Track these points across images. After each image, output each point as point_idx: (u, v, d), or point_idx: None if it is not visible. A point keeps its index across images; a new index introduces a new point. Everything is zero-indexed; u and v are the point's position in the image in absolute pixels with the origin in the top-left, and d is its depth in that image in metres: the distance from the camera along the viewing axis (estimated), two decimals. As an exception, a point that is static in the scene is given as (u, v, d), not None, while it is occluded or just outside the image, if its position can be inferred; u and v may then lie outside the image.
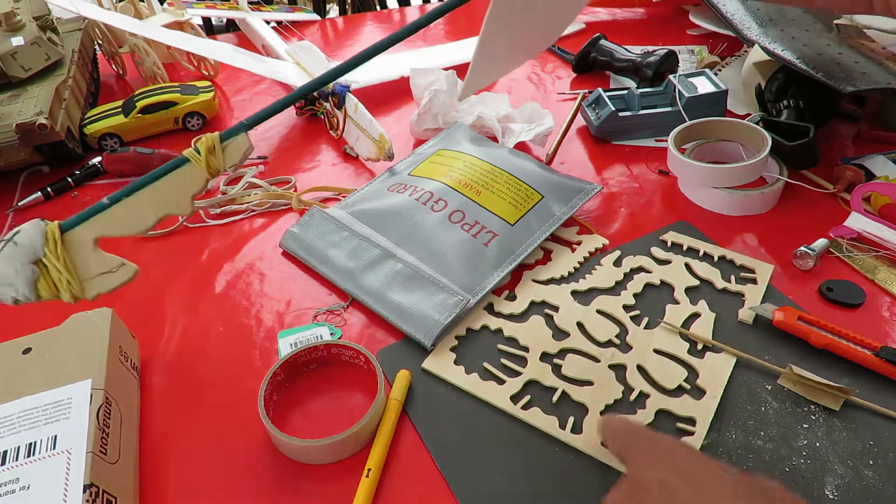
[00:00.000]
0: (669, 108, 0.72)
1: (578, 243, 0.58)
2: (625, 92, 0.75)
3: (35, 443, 0.37)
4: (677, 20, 1.03)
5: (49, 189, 0.68)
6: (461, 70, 0.79)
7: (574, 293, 0.53)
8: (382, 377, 0.45)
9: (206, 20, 1.27)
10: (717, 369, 0.46)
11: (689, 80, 0.73)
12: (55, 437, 0.37)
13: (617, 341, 0.49)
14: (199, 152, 0.40)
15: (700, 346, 0.48)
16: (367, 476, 0.40)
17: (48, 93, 0.71)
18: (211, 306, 0.54)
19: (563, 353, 0.48)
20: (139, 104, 0.76)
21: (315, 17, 1.16)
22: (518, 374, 0.47)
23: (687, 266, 0.55)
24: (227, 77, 0.93)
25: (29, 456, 0.37)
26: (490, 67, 0.58)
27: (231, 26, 1.23)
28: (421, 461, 0.42)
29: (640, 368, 0.47)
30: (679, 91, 0.72)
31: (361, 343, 0.49)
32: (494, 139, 0.72)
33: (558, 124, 0.73)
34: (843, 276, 0.54)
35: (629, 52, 0.86)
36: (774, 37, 0.69)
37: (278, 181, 0.70)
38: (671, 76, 0.74)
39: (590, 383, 0.46)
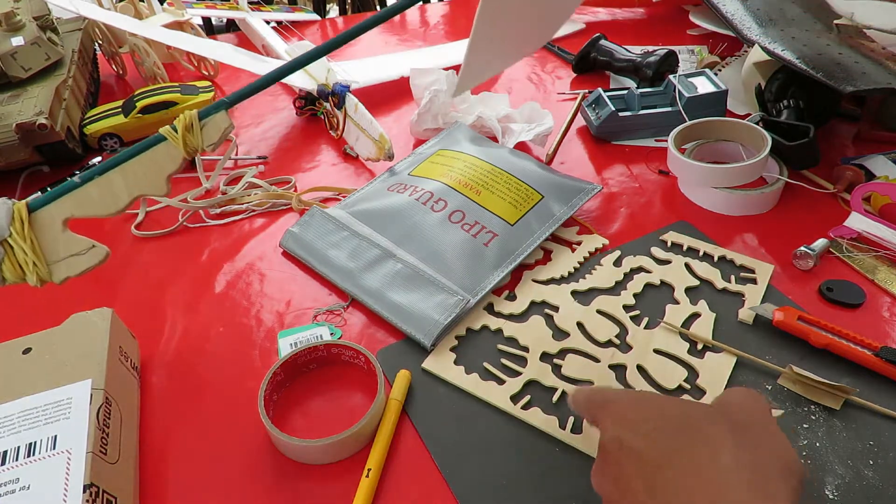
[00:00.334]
0: (669, 108, 0.72)
1: (578, 243, 0.58)
2: (625, 92, 0.75)
3: (35, 443, 0.37)
4: (677, 20, 1.03)
5: (49, 189, 0.68)
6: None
7: (574, 293, 0.53)
8: (382, 377, 0.45)
9: (206, 20, 1.28)
10: (717, 369, 0.46)
11: (689, 80, 0.73)
12: (55, 437, 0.37)
13: (617, 341, 0.49)
14: (176, 130, 0.39)
15: (700, 346, 0.48)
16: (367, 476, 0.40)
17: (48, 93, 0.71)
18: (211, 306, 0.54)
19: (563, 353, 0.48)
20: (139, 104, 0.76)
21: (315, 17, 1.16)
22: (518, 374, 0.47)
23: (687, 266, 0.55)
24: (227, 77, 0.94)
25: (29, 456, 0.37)
26: (482, 65, 0.58)
27: (231, 26, 1.23)
28: (421, 461, 0.42)
29: (640, 368, 0.47)
30: (679, 91, 0.72)
31: (361, 343, 0.49)
32: (494, 139, 0.72)
33: (558, 124, 0.73)
34: (843, 276, 0.54)
35: (629, 52, 0.86)
36: (774, 37, 0.69)
37: (278, 181, 0.70)
38: (671, 76, 0.74)
39: (590, 383, 0.46)
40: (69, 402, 0.39)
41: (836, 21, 0.73)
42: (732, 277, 0.54)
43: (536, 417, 0.43)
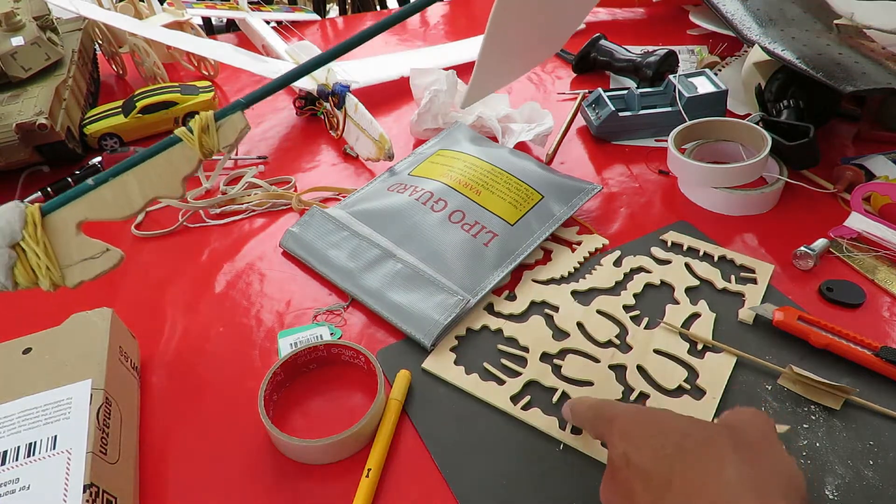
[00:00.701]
0: (669, 108, 0.72)
1: (578, 243, 0.58)
2: (625, 92, 0.75)
3: (35, 443, 0.37)
4: (677, 20, 1.03)
5: (49, 189, 0.68)
6: (461, 70, 0.79)
7: (574, 293, 0.53)
8: (382, 377, 0.45)
9: (206, 20, 1.28)
10: (717, 369, 0.46)
11: (689, 80, 0.73)
12: (55, 437, 0.37)
13: (617, 341, 0.49)
14: (191, 131, 0.38)
15: (700, 347, 0.48)
16: (367, 476, 0.40)
17: (48, 93, 0.71)
18: (211, 306, 0.54)
19: (563, 353, 0.48)
20: (139, 104, 0.76)
21: (315, 17, 1.16)
22: (518, 374, 0.47)
23: (687, 266, 0.55)
24: (227, 77, 0.93)
25: (29, 456, 0.37)
26: (492, 78, 0.59)
27: (231, 26, 1.23)
28: (421, 461, 0.42)
29: (640, 369, 0.47)
30: (679, 91, 0.72)
31: (361, 343, 0.49)
32: (494, 139, 0.72)
33: (558, 124, 0.73)
34: (843, 276, 0.54)
35: (629, 52, 0.86)
36: (774, 37, 0.69)
37: (278, 181, 0.70)
38: (671, 76, 0.74)
39: (590, 384, 0.46)
40: (69, 402, 0.39)
41: (836, 21, 0.73)
42: (732, 277, 0.54)
43: (536, 418, 0.43)
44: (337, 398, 0.46)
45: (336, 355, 0.48)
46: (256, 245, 0.61)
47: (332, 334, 0.51)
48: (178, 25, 0.92)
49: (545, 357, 0.48)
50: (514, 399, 0.45)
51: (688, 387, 0.45)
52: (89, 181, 0.38)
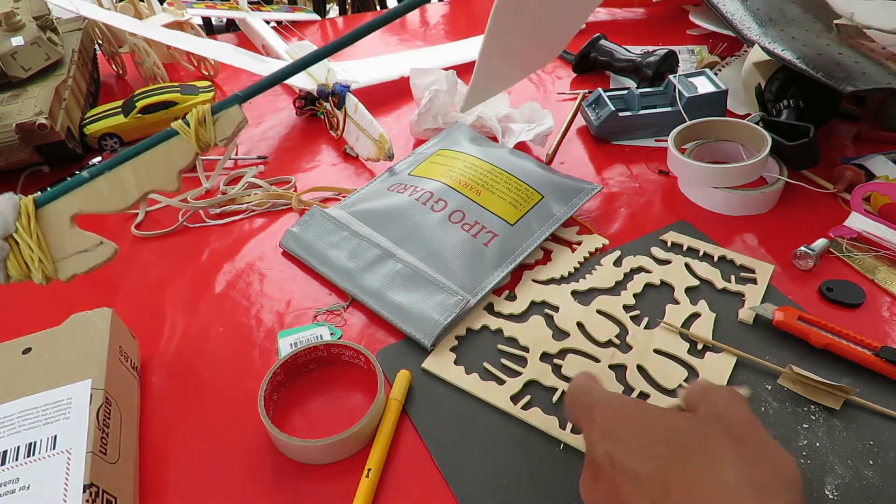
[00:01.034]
0: (669, 108, 0.72)
1: (578, 243, 0.58)
2: (625, 92, 0.75)
3: (35, 443, 0.37)
4: (677, 20, 1.03)
5: (49, 189, 0.68)
6: (461, 70, 0.79)
7: (574, 293, 0.53)
8: (382, 377, 0.45)
9: (206, 20, 1.28)
10: (717, 369, 0.46)
11: (689, 80, 0.73)
12: (55, 437, 0.37)
13: (617, 341, 0.49)
14: (188, 124, 0.38)
15: (700, 346, 0.48)
16: (367, 476, 0.40)
17: (48, 93, 0.71)
18: (211, 306, 0.54)
19: (563, 353, 0.48)
20: (139, 104, 0.76)
21: (315, 17, 1.16)
22: (518, 374, 0.47)
23: (687, 266, 0.55)
24: (227, 77, 0.94)
25: (29, 456, 0.37)
26: (491, 83, 0.59)
27: (231, 26, 1.23)
28: (421, 461, 0.42)
29: (640, 368, 0.47)
30: (679, 91, 0.72)
31: (361, 343, 0.49)
32: (494, 139, 0.72)
33: (558, 124, 0.73)
34: (843, 276, 0.54)
35: (629, 52, 0.86)
36: (774, 37, 0.69)
37: (278, 181, 0.70)
38: (671, 76, 0.74)
39: (590, 383, 0.46)
40: (69, 402, 0.39)
41: (836, 21, 0.73)
42: (732, 277, 0.54)
43: (536, 417, 0.43)
44: (337, 398, 0.46)
45: (336, 355, 0.48)
46: (256, 245, 0.61)
47: (332, 334, 0.51)
48: (178, 25, 0.92)
49: (545, 357, 0.48)
50: (514, 399, 0.45)
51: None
52: (84, 173, 0.37)
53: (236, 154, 0.75)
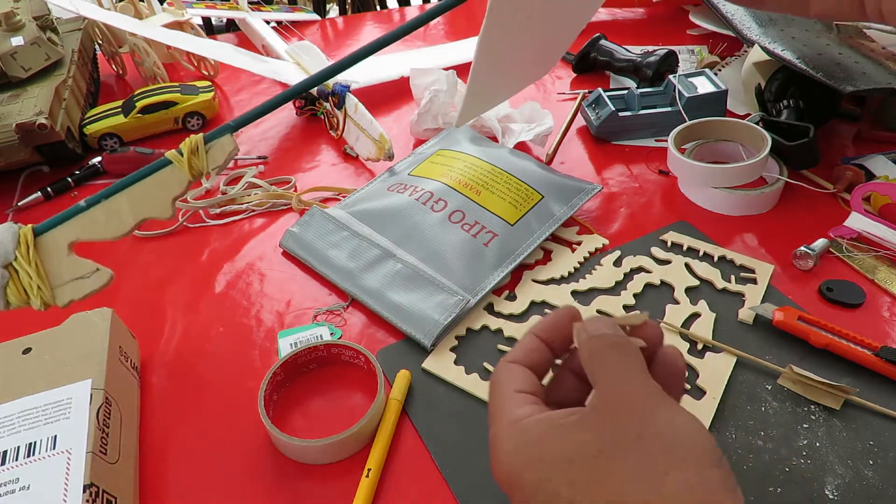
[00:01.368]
0: (669, 108, 0.72)
1: (578, 243, 0.58)
2: (625, 92, 0.75)
3: (35, 443, 0.37)
4: (677, 20, 1.03)
5: (49, 189, 0.68)
6: (461, 70, 0.79)
7: (574, 293, 0.53)
8: (382, 377, 0.45)
9: (206, 20, 1.28)
10: (717, 369, 0.46)
11: (689, 80, 0.73)
12: (55, 437, 0.37)
13: (617, 341, 0.49)
14: (181, 154, 0.39)
15: (700, 346, 0.48)
16: (367, 476, 0.40)
17: (48, 93, 0.71)
18: (211, 306, 0.54)
19: (563, 353, 0.48)
20: (139, 104, 0.76)
21: (315, 17, 1.16)
22: (518, 374, 0.47)
23: (687, 266, 0.55)
24: (227, 77, 0.93)
25: (29, 456, 0.37)
26: (485, 99, 0.58)
27: (231, 26, 1.23)
28: (421, 461, 0.42)
29: (640, 368, 0.46)
30: (679, 91, 0.72)
31: (361, 343, 0.49)
32: (494, 139, 0.72)
33: (558, 124, 0.73)
34: (843, 276, 0.54)
35: (629, 52, 0.86)
36: (774, 37, 0.69)
37: (278, 181, 0.70)
38: (671, 76, 0.74)
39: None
40: (69, 402, 0.39)
41: (835, 21, 0.73)
42: (732, 277, 0.54)
43: (536, 417, 0.43)
44: (337, 398, 0.46)
45: (336, 355, 0.48)
46: (256, 245, 0.61)
47: (332, 334, 0.51)
48: (178, 25, 0.92)
49: (545, 357, 0.48)
50: (514, 399, 0.45)
51: (688, 386, 0.45)
52: (81, 203, 0.39)
53: (236, 154, 0.75)
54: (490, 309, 0.52)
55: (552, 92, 0.86)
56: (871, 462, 0.40)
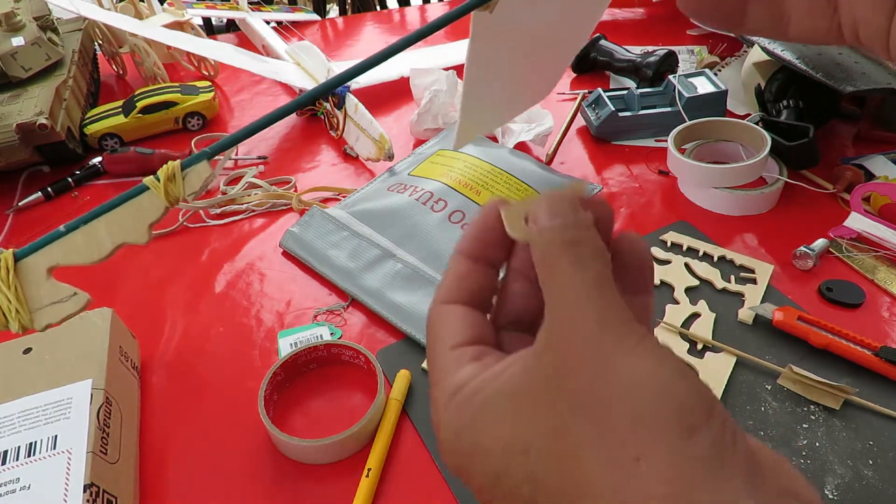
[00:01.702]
0: (669, 108, 0.72)
1: (578, 243, 0.58)
2: (625, 92, 0.75)
3: (35, 443, 0.37)
4: (677, 20, 1.03)
5: (49, 189, 0.68)
6: (461, 70, 0.79)
7: (574, 293, 0.53)
8: (382, 377, 0.45)
9: (206, 20, 1.27)
10: (717, 369, 0.46)
11: (689, 80, 0.73)
12: (55, 437, 0.37)
13: (617, 341, 0.49)
14: (158, 180, 0.40)
15: (700, 346, 0.48)
16: (367, 476, 0.40)
17: (48, 93, 0.71)
18: (211, 306, 0.54)
19: (562, 353, 0.48)
20: (139, 104, 0.76)
21: (315, 17, 1.16)
22: (518, 374, 0.47)
23: (687, 266, 0.55)
24: (227, 77, 0.93)
25: (29, 456, 0.37)
26: (479, 124, 0.58)
27: (231, 26, 1.23)
28: (421, 461, 0.42)
29: (639, 368, 0.46)
30: (679, 91, 0.72)
31: (361, 343, 0.49)
32: (494, 139, 0.72)
33: (558, 124, 0.73)
34: (843, 276, 0.54)
35: (629, 52, 0.86)
36: (774, 37, 0.69)
37: (278, 181, 0.70)
38: (671, 76, 0.74)
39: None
40: (69, 402, 0.39)
41: (814, 44, 0.73)
42: (732, 277, 0.54)
43: (536, 417, 0.43)
44: (337, 398, 0.46)
45: (336, 355, 0.48)
46: (256, 245, 0.61)
47: (332, 334, 0.51)
48: (178, 25, 0.92)
49: (545, 357, 0.48)
50: (514, 399, 0.45)
51: (688, 387, 0.45)
52: (61, 228, 0.40)
53: (236, 154, 0.75)
54: (490, 309, 0.52)
55: (552, 92, 0.86)
56: (870, 462, 0.40)
